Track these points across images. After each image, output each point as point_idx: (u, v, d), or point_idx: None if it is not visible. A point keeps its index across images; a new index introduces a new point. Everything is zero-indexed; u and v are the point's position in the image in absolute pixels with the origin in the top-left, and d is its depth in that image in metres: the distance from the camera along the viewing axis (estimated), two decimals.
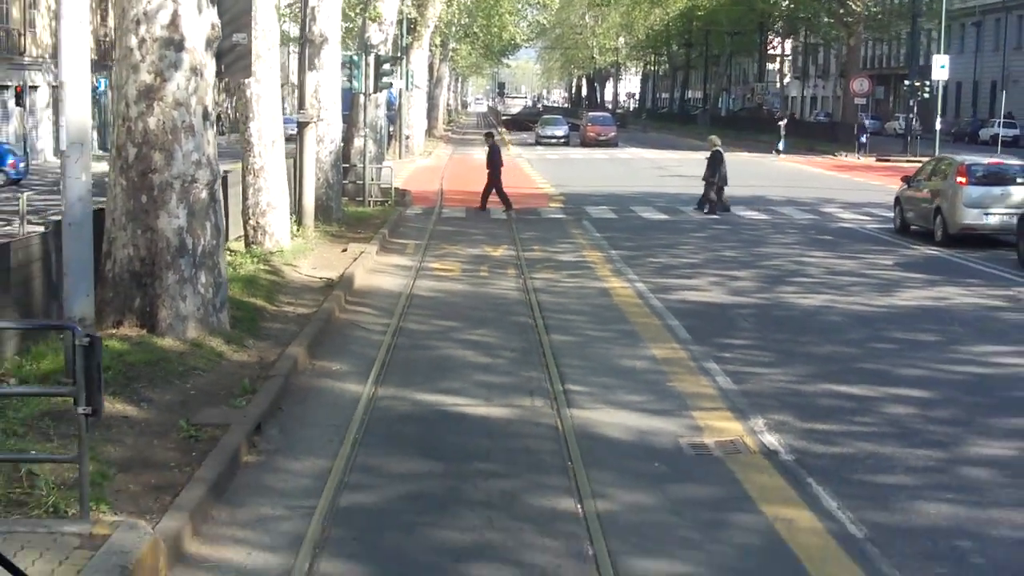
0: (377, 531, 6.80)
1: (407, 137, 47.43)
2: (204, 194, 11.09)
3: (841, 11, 55.46)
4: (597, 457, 8.21)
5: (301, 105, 20.00)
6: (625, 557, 6.42)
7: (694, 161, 47.57)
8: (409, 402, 9.71)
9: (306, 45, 20.40)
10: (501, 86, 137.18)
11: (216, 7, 11.39)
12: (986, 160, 21.86)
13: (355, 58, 25.31)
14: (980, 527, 6.99)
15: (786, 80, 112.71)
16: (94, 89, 55.60)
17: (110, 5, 58.42)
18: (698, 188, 27.85)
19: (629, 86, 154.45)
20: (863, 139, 51.89)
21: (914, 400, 9.90)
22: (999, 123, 65.07)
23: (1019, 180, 20.25)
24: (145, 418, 8.41)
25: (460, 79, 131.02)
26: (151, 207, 10.84)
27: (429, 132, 63.09)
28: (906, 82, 52.28)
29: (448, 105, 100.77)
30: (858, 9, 53.84)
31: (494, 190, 25.77)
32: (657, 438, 8.75)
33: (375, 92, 25.98)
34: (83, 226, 8.92)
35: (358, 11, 32.40)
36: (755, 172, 40.20)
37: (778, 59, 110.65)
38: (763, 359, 11.45)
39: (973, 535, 6.87)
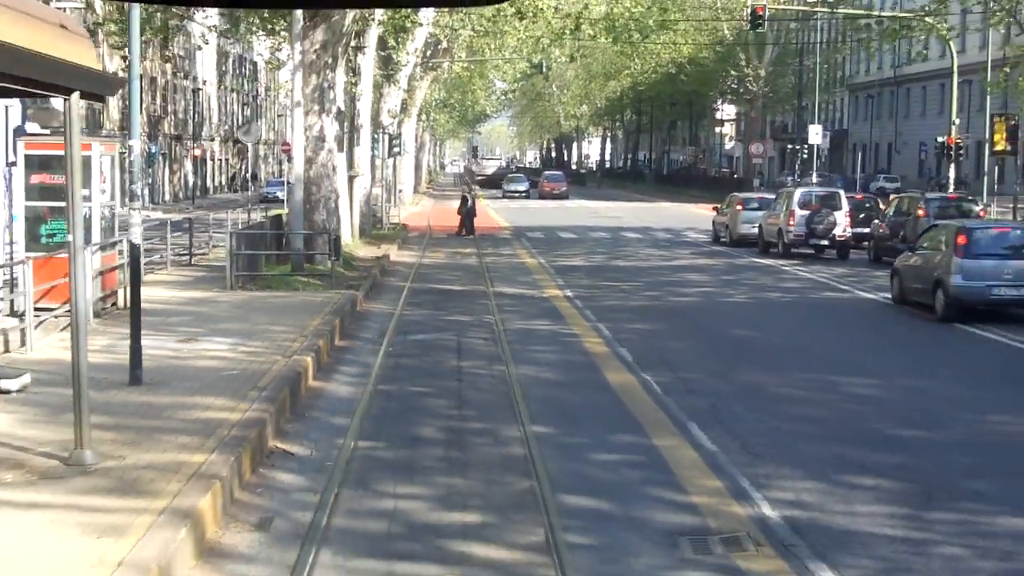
0: (422, 304, 20.65)
1: (400, 191, 61.52)
2: (333, 205, 25.09)
3: (741, 91, 70.24)
4: (500, 298, 22.05)
5: (350, 167, 33.95)
6: (501, 297, 20.30)
7: (622, 208, 61.88)
8: (427, 287, 23.63)
9: (353, 130, 34.46)
10: (475, 149, 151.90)
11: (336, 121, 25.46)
12: (755, 195, 36.13)
13: (375, 136, 39.33)
14: (621, 305, 20.91)
15: (731, 142, 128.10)
16: (150, 154, 69.61)
17: (157, 92, 72.59)
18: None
19: (594, 148, 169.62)
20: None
21: (633, 284, 23.95)
22: (882, 177, 79.26)
23: None
24: (327, 285, 22.22)
25: (438, 143, 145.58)
26: (311, 210, 24.77)
27: (415, 188, 77.28)
28: (789, 146, 66.77)
29: (429, 166, 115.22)
30: (754, 89, 68.52)
31: None
32: (525, 295, 22.66)
33: (388, 157, 40.07)
34: (299, 212, 22.82)
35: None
36: (662, 215, 54.49)
37: (723, 123, 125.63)
38: (583, 279, 25.46)
39: (616, 308, 20.78)
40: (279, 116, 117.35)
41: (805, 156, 65.40)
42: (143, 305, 14.96)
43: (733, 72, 68.15)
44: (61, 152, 17.68)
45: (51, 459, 8.76)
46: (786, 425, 11.32)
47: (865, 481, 9.36)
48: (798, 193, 30.36)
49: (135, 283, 11.84)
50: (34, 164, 16.87)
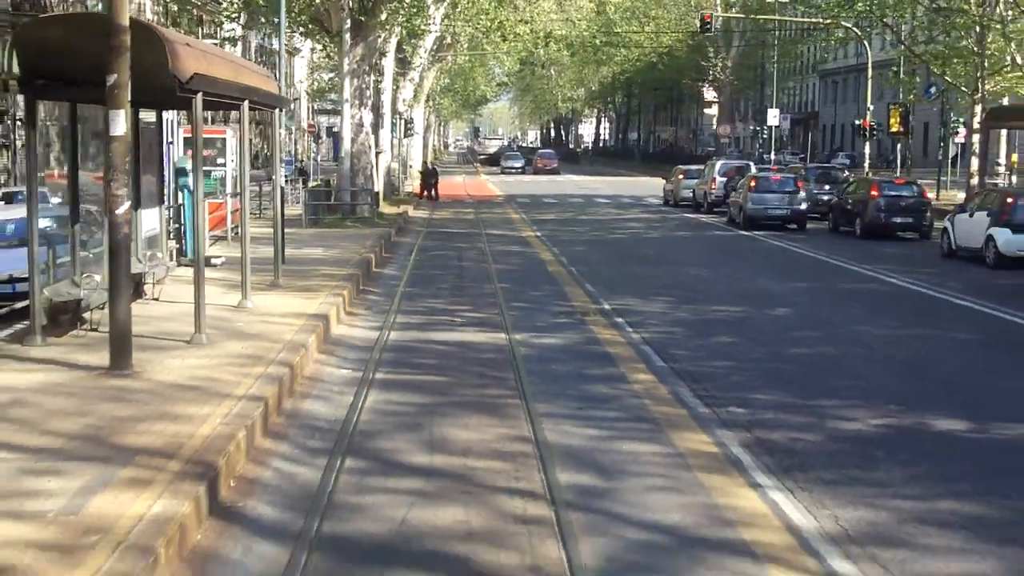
0: (435, 239, 30.03)
1: (411, 166, 70.79)
2: (370, 172, 34.50)
3: (711, 78, 79.52)
4: (489, 235, 31.39)
5: (376, 145, 43.27)
6: (490, 235, 29.68)
7: (604, 182, 71.12)
8: (438, 230, 33.01)
9: (377, 117, 43.75)
10: (476, 130, 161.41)
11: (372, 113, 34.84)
12: (694, 167, 45.47)
13: (394, 121, 48.63)
14: (573, 239, 30.30)
15: (716, 124, 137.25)
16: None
17: None
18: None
19: (590, 129, 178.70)
20: None
21: (585, 229, 33.35)
22: (842, 155, 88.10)
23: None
24: (367, 225, 31.56)
25: (443, 124, 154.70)
26: (354, 176, 34.16)
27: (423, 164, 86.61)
28: (750, 127, 75.92)
29: (434, 146, 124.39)
30: (721, 77, 77.79)
31: None
32: (507, 234, 32.04)
33: (405, 138, 49.43)
34: (348, 176, 32.15)
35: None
36: (636, 186, 63.87)
37: (710, 105, 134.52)
38: (551, 226, 34.83)
39: (568, 240, 30.17)
40: (295, 100, 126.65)
41: (765, 137, 74.50)
42: (250, 236, 23.90)
43: (703, 62, 77.36)
44: (208, 135, 27.11)
45: (261, 285, 18.12)
46: (639, 284, 20.76)
47: (663, 298, 18.78)
48: (718, 164, 39.77)
49: (281, 208, 21.20)
50: (190, 143, 26.28)
